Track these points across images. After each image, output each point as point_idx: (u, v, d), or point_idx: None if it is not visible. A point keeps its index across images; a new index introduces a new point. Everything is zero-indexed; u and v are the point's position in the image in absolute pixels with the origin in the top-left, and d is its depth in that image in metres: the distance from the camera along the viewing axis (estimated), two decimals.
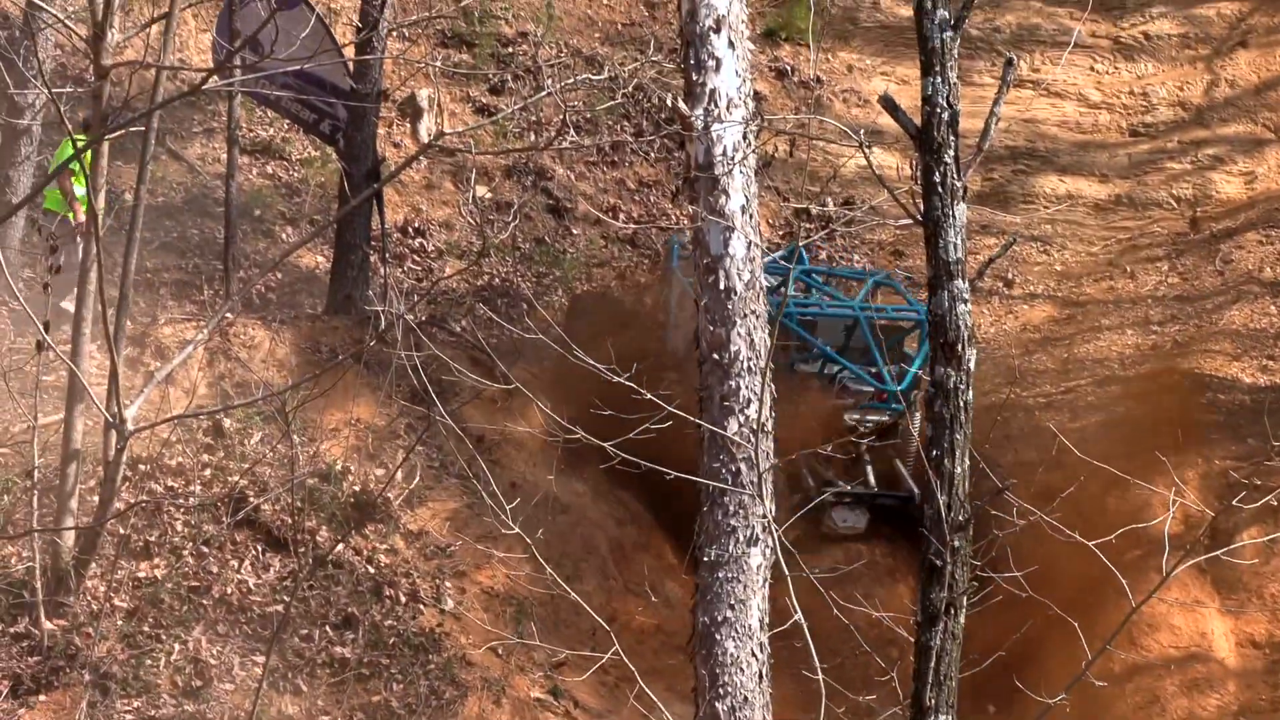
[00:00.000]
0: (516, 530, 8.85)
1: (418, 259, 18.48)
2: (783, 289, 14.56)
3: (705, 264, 9.45)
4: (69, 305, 14.18)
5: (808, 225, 19.48)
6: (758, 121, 9.63)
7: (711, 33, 9.46)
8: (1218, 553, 11.87)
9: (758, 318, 9.42)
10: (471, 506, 13.99)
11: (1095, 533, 8.71)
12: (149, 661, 12.18)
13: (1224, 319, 18.33)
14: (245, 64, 13.96)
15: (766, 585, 9.31)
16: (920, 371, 15.69)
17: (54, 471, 12.34)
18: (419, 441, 14.11)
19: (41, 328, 10.68)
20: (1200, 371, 17.45)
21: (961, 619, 8.17)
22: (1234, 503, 11.81)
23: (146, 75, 14.74)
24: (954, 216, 8.23)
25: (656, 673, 12.43)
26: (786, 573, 8.45)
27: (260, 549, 13.16)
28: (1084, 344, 18.46)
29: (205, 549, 12.96)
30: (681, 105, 9.48)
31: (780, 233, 19.56)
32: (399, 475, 13.97)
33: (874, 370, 15.80)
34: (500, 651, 13.11)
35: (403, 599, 13.21)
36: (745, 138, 9.50)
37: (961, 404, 8.18)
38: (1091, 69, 21.25)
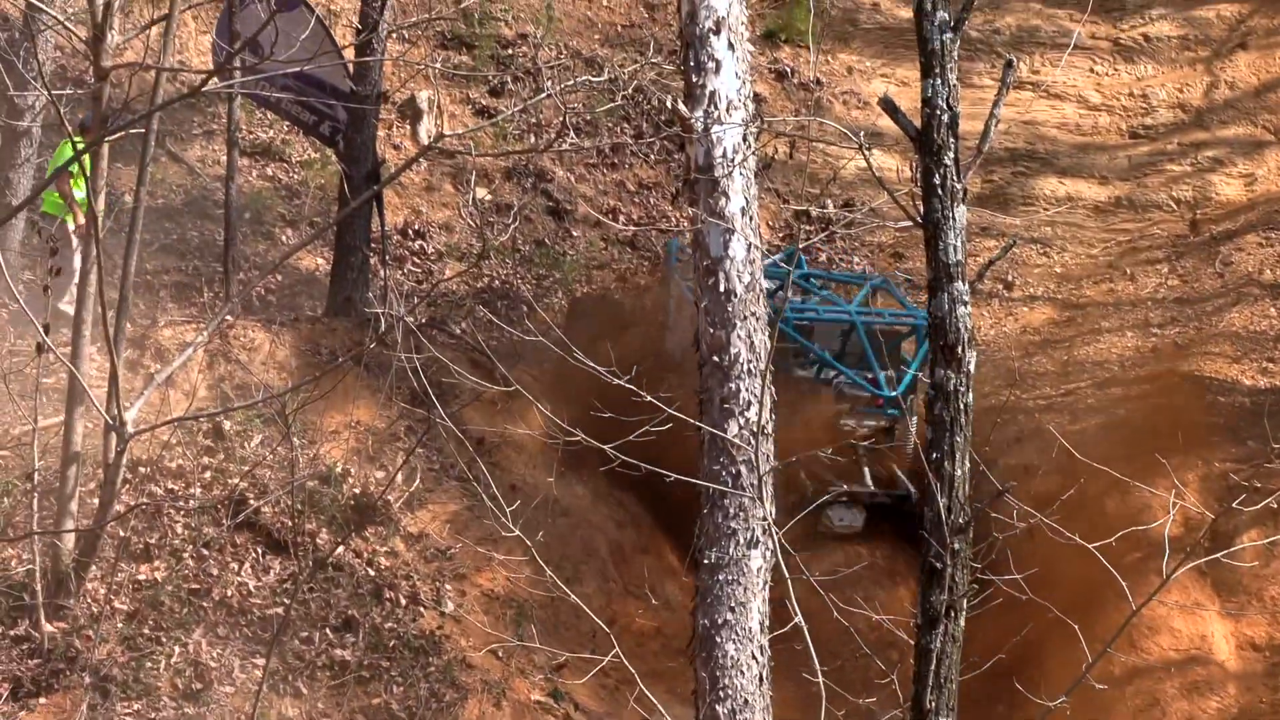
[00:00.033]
0: (517, 533, 8.85)
1: (418, 261, 18.48)
2: (781, 293, 14.56)
3: (705, 266, 9.45)
4: (67, 307, 14.19)
5: (807, 227, 19.48)
6: (758, 123, 9.62)
7: (711, 34, 9.46)
8: (1218, 555, 11.84)
9: (758, 320, 9.42)
10: (471, 509, 13.99)
11: (1095, 535, 8.70)
12: (149, 664, 12.18)
13: (1224, 321, 18.33)
14: (245, 66, 13.97)
15: (767, 588, 9.31)
16: (919, 375, 15.68)
17: (54, 474, 12.34)
18: (419, 444, 14.11)
19: (41, 330, 10.68)
20: (1200, 374, 17.44)
21: (962, 622, 8.17)
22: (1234, 505, 11.79)
23: (146, 77, 14.75)
24: (954, 218, 8.23)
25: (657, 675, 12.44)
26: (787, 575, 8.45)
27: (260, 551, 13.15)
28: (1084, 346, 18.46)
29: (205, 551, 12.96)
30: (681, 107, 9.47)
31: (780, 235, 19.56)
32: (399, 478, 13.97)
33: (869, 376, 15.79)
34: (500, 654, 13.11)
35: (403, 601, 13.21)
36: (745, 140, 9.49)
37: (961, 406, 8.19)
38: (1091, 71, 21.26)
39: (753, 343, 9.40)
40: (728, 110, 9.41)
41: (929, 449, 8.20)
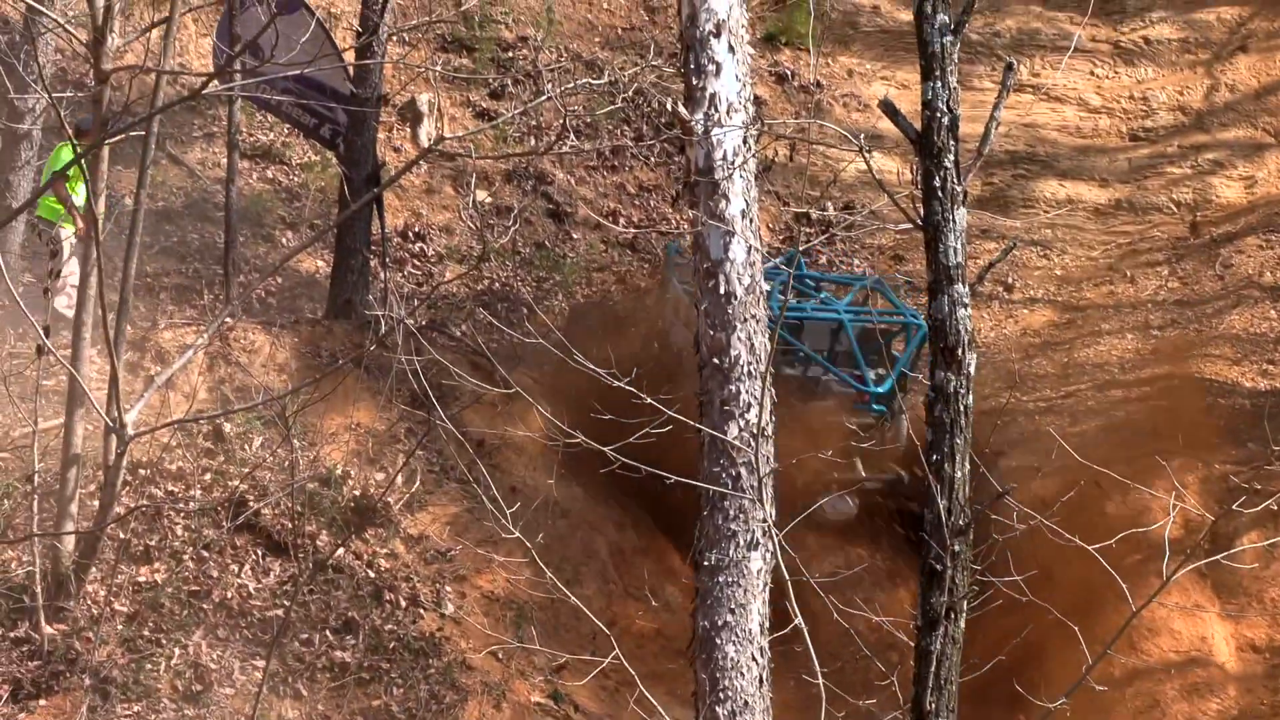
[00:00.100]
0: (517, 534, 8.85)
1: (418, 263, 18.49)
2: (780, 295, 14.58)
3: (705, 269, 9.45)
4: (65, 309, 14.19)
5: (808, 230, 19.48)
6: (758, 126, 9.63)
7: (712, 37, 9.47)
8: (1218, 557, 11.85)
9: (758, 322, 9.42)
10: (472, 511, 13.99)
11: (1095, 537, 8.71)
12: (149, 666, 12.18)
13: (1224, 324, 18.34)
14: (245, 69, 13.97)
15: (767, 589, 9.31)
16: (907, 371, 15.75)
17: (54, 476, 12.34)
18: (419, 446, 14.11)
19: (42, 332, 10.68)
20: (1200, 376, 17.45)
21: (962, 623, 8.18)
22: (1234, 507, 11.79)
23: (146, 80, 14.77)
24: (954, 221, 8.24)
25: (657, 677, 12.43)
26: (786, 577, 8.45)
27: (260, 553, 13.16)
28: (1084, 348, 18.46)
29: (205, 553, 12.96)
30: (681, 110, 9.48)
31: (780, 237, 19.56)
32: (399, 480, 13.97)
33: (856, 373, 15.85)
34: (500, 656, 13.11)
35: (403, 603, 13.21)
36: (745, 142, 9.50)
37: (961, 408, 8.20)
38: (1091, 74, 21.26)
39: (753, 345, 9.41)
40: (728, 113, 9.42)
41: (929, 451, 8.21)
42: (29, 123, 15.58)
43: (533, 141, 19.63)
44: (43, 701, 11.86)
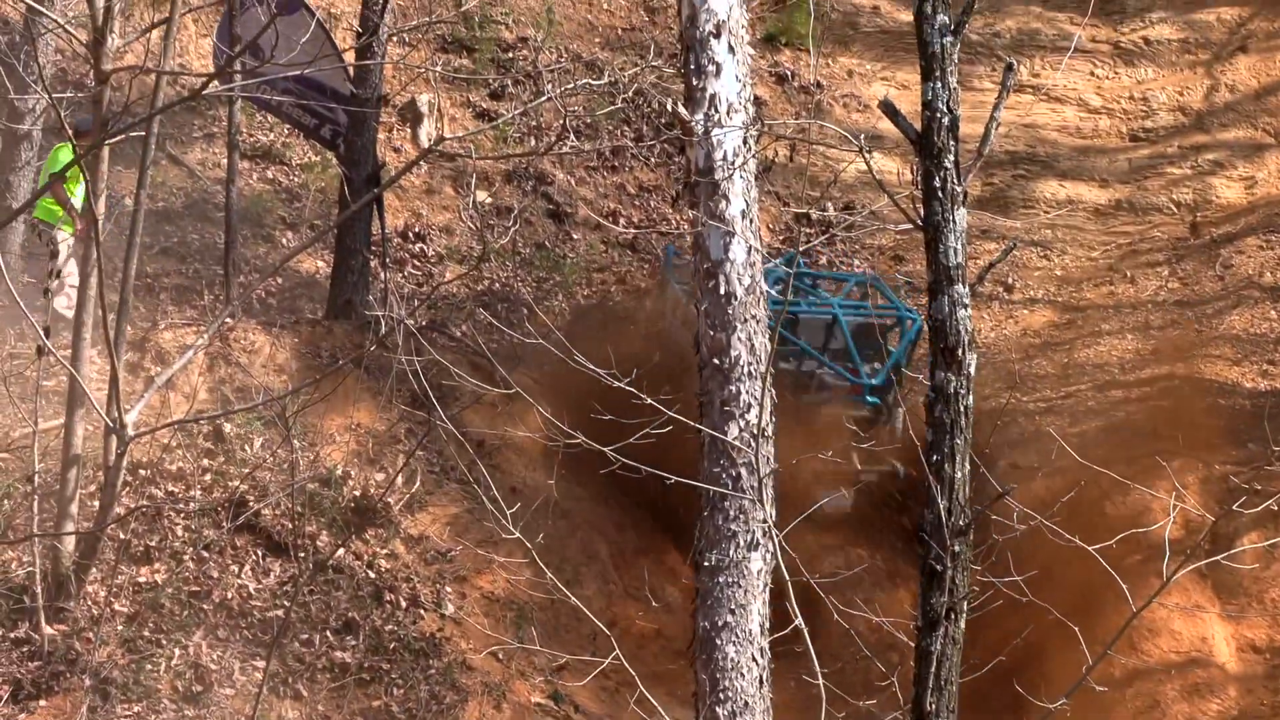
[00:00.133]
0: (517, 535, 8.85)
1: (418, 264, 18.49)
2: (778, 294, 14.61)
3: (705, 269, 9.45)
4: (65, 310, 14.18)
5: (808, 230, 19.48)
6: (758, 126, 9.63)
7: (712, 38, 9.47)
8: (1218, 558, 11.85)
9: (758, 322, 9.42)
10: (472, 511, 13.99)
11: (1096, 537, 8.71)
12: (149, 666, 12.18)
13: (1224, 324, 18.34)
14: (245, 69, 13.96)
15: (767, 590, 9.31)
16: (902, 364, 15.82)
17: (54, 476, 12.34)
18: (419, 446, 14.11)
19: (42, 333, 10.68)
20: (1200, 376, 17.45)
21: (962, 624, 8.17)
22: (1234, 507, 11.80)
23: (147, 80, 14.78)
24: (954, 221, 8.23)
25: (657, 678, 12.43)
26: (787, 578, 8.45)
27: (260, 554, 13.16)
28: (1084, 349, 18.46)
29: (205, 554, 12.96)
30: (682, 110, 9.48)
31: (780, 238, 19.56)
32: (399, 480, 13.97)
33: (850, 366, 15.90)
34: (501, 656, 13.11)
35: (403, 604, 13.21)
36: (745, 143, 9.50)
37: (962, 409, 8.19)
38: (1091, 74, 21.26)
39: (753, 345, 9.41)
40: (728, 113, 9.42)
41: (929, 451, 8.20)
42: (29, 123, 15.58)
43: (533, 142, 19.62)
44: (43, 702, 11.86)
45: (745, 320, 9.38)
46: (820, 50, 21.26)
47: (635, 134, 19.86)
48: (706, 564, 9.30)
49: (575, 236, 19.21)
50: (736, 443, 9.28)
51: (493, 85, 20.05)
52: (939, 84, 8.23)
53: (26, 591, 12.15)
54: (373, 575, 13.31)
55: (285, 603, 12.65)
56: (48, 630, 12.07)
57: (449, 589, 13.50)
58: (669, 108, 9.58)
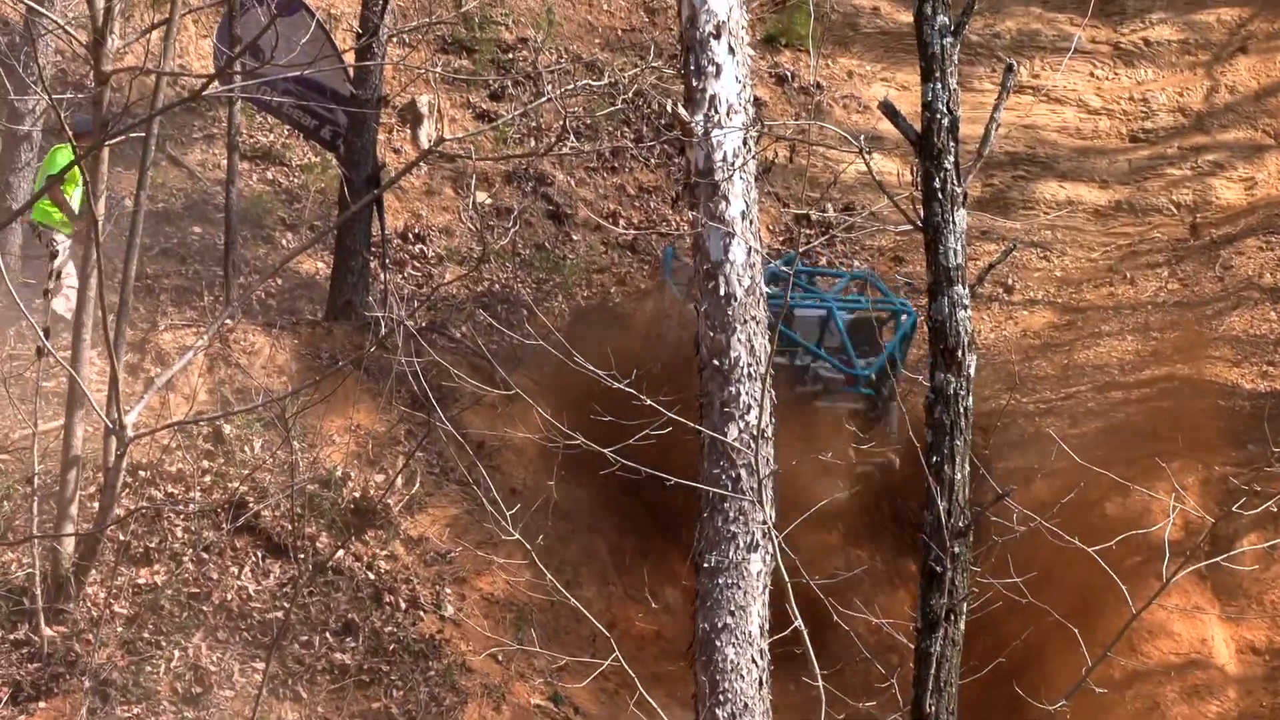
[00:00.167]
0: (516, 536, 8.85)
1: (418, 265, 18.48)
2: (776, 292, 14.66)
3: (705, 270, 9.45)
4: (64, 312, 14.18)
5: (808, 231, 19.48)
6: (758, 127, 9.63)
7: (712, 38, 9.47)
8: (1218, 559, 11.85)
9: (758, 324, 9.42)
10: (471, 513, 13.99)
11: (1095, 539, 8.70)
12: (149, 668, 12.17)
13: (1224, 325, 18.34)
14: (245, 70, 13.96)
15: (766, 591, 9.31)
16: (896, 356, 15.88)
17: (54, 478, 12.34)
18: (419, 447, 14.10)
19: (42, 334, 10.68)
20: (1200, 378, 17.44)
21: (962, 625, 8.17)
22: (1234, 509, 11.81)
23: (147, 81, 14.78)
24: (954, 222, 8.23)
25: (657, 679, 12.43)
26: (786, 579, 8.45)
27: (260, 555, 13.15)
28: (1084, 350, 18.46)
29: (205, 555, 12.96)
30: (681, 111, 9.48)
31: (780, 239, 19.56)
32: (399, 481, 13.97)
33: (843, 357, 15.95)
34: (500, 658, 13.11)
35: (403, 605, 13.21)
36: (745, 143, 9.50)
37: (961, 410, 8.19)
38: (1091, 75, 21.26)
39: (753, 346, 9.40)
40: (728, 114, 9.42)
41: (929, 452, 8.20)
42: (29, 124, 15.57)
43: (533, 143, 19.62)
44: (42, 704, 11.86)
45: (745, 321, 9.38)
46: (820, 51, 21.26)
47: (635, 135, 19.86)
48: (706, 565, 9.30)
49: (575, 237, 19.21)
50: (736, 444, 9.28)
51: (493, 86, 20.05)
52: (939, 85, 8.23)
53: (26, 593, 12.15)
54: (372, 577, 13.31)
55: (285, 604, 12.65)
56: (47, 632, 12.06)
57: (449, 590, 13.50)
58: (669, 109, 9.58)
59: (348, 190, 15.61)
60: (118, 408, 11.20)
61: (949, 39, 8.25)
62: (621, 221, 19.31)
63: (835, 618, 9.08)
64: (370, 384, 14.63)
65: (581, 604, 10.36)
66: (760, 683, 9.28)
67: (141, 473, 13.36)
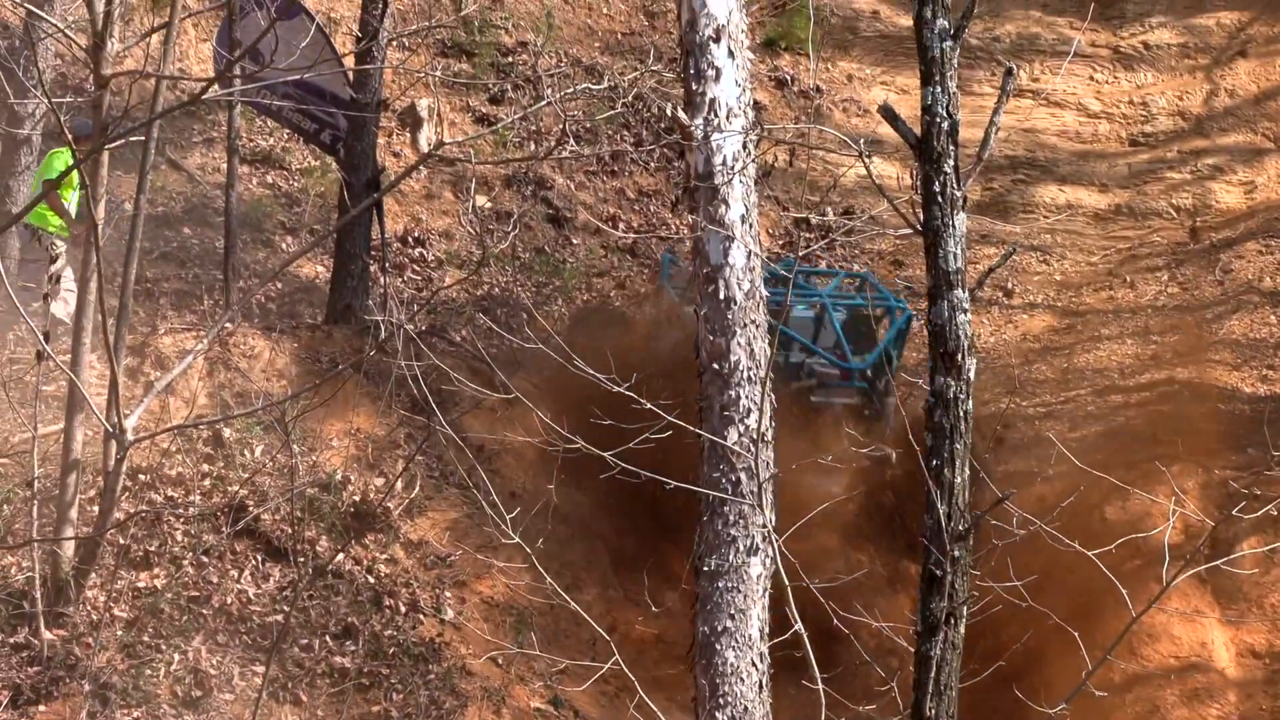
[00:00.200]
0: (516, 540, 8.85)
1: (417, 268, 18.49)
2: (782, 300, 14.67)
3: (705, 274, 9.45)
4: (63, 315, 14.18)
5: (807, 235, 19.49)
6: (757, 131, 9.63)
7: (711, 42, 9.47)
8: (1218, 563, 11.86)
9: (757, 327, 9.43)
10: (471, 516, 13.99)
11: (1095, 542, 8.71)
12: (149, 671, 12.17)
13: (1224, 329, 18.34)
14: (245, 74, 13.97)
15: (766, 595, 9.31)
16: (891, 350, 15.93)
17: (54, 481, 12.33)
18: (419, 451, 14.10)
19: (42, 337, 10.68)
20: (1200, 381, 17.45)
21: (962, 629, 8.17)
22: (1234, 512, 11.81)
23: (146, 85, 14.77)
24: (954, 226, 8.23)
25: (657, 683, 12.41)
26: (786, 582, 8.45)
27: (260, 559, 13.15)
28: (1084, 354, 18.46)
29: (205, 559, 12.96)
30: (681, 115, 9.48)
31: (780, 242, 19.57)
32: (399, 485, 13.96)
33: (837, 352, 16.00)
34: (500, 661, 13.11)
35: (403, 609, 13.21)
36: (745, 147, 9.50)
37: (961, 413, 8.19)
38: (1091, 79, 21.27)
39: (752, 350, 9.41)
40: (728, 118, 9.42)
41: (929, 456, 8.20)
42: (29, 128, 15.58)
43: (532, 146, 19.62)
44: (42, 707, 11.85)
45: (745, 325, 9.39)
46: (820, 55, 21.27)
47: (635, 139, 19.87)
48: (706, 569, 9.30)
49: (575, 241, 19.21)
50: (736, 448, 9.28)
51: (492, 90, 20.06)
52: (938, 88, 8.23)
53: (26, 596, 12.14)
54: (372, 580, 13.31)
55: (285, 608, 12.64)
56: (47, 635, 12.06)
57: (448, 594, 13.49)
58: (668, 112, 9.59)
59: (347, 194, 15.62)
60: (117, 411, 11.20)
61: (949, 43, 8.25)
62: (621, 225, 19.31)
63: (835, 621, 9.08)
64: (370, 387, 14.63)
65: (581, 607, 10.35)
66: (760, 686, 9.28)
67: (141, 476, 13.36)
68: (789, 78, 21.06)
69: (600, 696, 13.17)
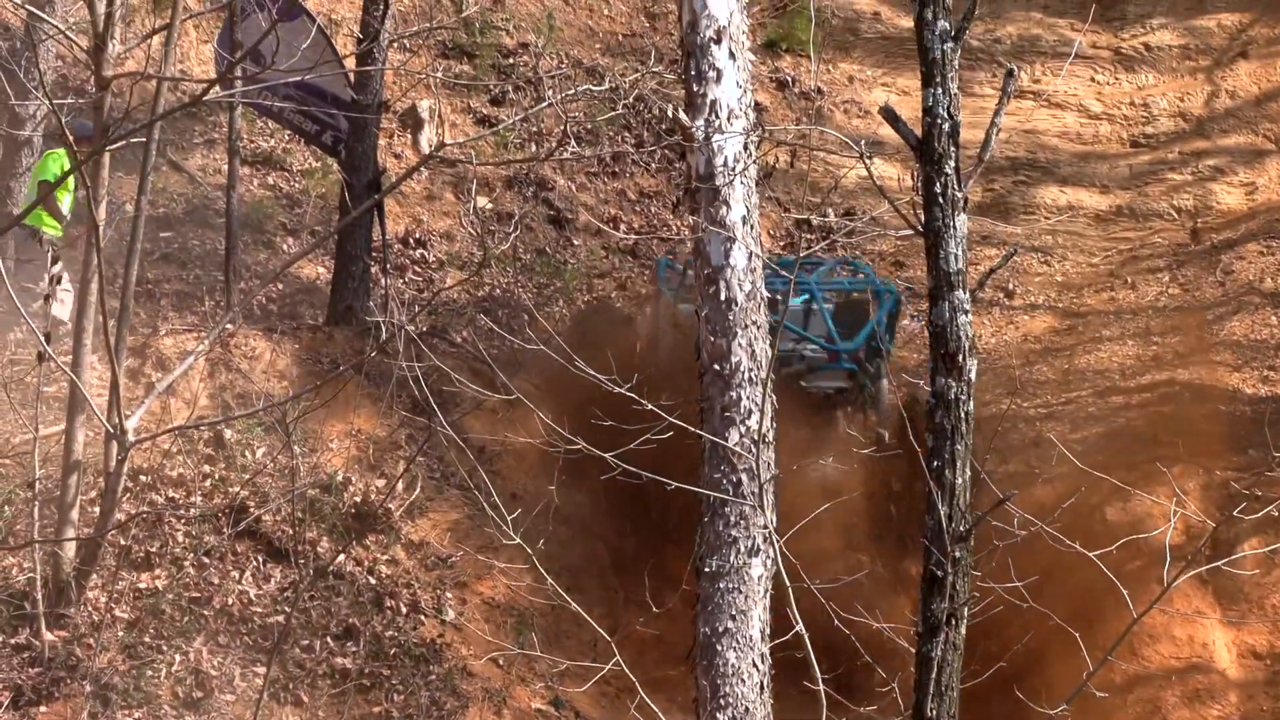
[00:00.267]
0: (517, 541, 8.85)
1: (419, 270, 18.49)
2: (780, 302, 14.68)
3: (706, 275, 9.46)
4: (61, 314, 14.18)
5: (809, 236, 19.49)
6: (758, 132, 9.64)
7: (712, 44, 9.47)
8: (1219, 563, 11.86)
9: (759, 329, 9.43)
10: (472, 517, 13.99)
11: (1096, 543, 8.70)
12: (150, 672, 12.17)
13: (1225, 330, 18.34)
14: (246, 75, 13.98)
15: (767, 596, 9.31)
16: (880, 332, 15.96)
17: (55, 482, 12.34)
18: (420, 452, 14.11)
19: (43, 339, 10.68)
20: (1201, 382, 17.44)
21: (963, 630, 8.17)
22: (1235, 513, 11.81)
23: (147, 86, 14.76)
24: (955, 227, 8.24)
25: (658, 684, 12.40)
26: (787, 583, 8.45)
27: (261, 560, 13.15)
28: (1085, 355, 18.46)
29: (206, 560, 12.96)
30: (682, 116, 9.48)
31: (781, 243, 19.57)
32: (400, 486, 13.97)
33: (825, 335, 16.04)
34: (501, 662, 13.11)
35: (404, 610, 13.21)
36: (746, 148, 9.50)
37: (962, 414, 8.19)
38: (1092, 80, 21.27)
39: (753, 351, 9.41)
40: (729, 119, 9.43)
41: (930, 457, 8.20)
42: (30, 129, 15.58)
43: (533, 148, 19.62)
44: (43, 708, 11.86)
45: (746, 326, 9.39)
46: (821, 56, 21.27)
47: (636, 140, 19.87)
48: (707, 570, 9.30)
49: (576, 242, 19.21)
50: (737, 448, 9.29)
51: (493, 91, 20.06)
52: (939, 90, 8.24)
53: (27, 597, 12.15)
54: (373, 581, 13.31)
55: (286, 609, 12.65)
56: (48, 636, 12.06)
57: (449, 595, 13.50)
58: (670, 113, 9.59)
59: (348, 195, 15.62)
60: (118, 412, 11.20)
61: (950, 44, 8.26)
62: (622, 226, 19.31)
63: (836, 621, 9.08)
64: (371, 389, 14.63)
65: (582, 608, 10.34)
66: (761, 687, 9.28)
67: (142, 477, 13.36)
68: (790, 79, 21.07)
69: (601, 697, 13.17)
